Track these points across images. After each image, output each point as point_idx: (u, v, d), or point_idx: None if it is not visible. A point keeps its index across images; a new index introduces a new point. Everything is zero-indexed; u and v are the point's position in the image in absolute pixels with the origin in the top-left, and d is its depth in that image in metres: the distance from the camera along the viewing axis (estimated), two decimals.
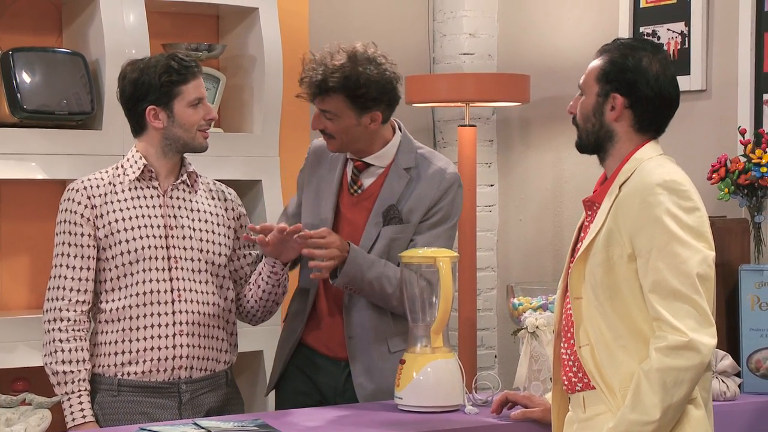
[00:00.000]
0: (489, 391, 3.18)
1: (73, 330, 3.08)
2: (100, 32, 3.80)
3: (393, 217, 3.25)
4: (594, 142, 2.64)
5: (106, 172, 3.19)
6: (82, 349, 3.09)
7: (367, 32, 3.36)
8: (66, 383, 3.06)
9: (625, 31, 4.29)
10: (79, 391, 3.07)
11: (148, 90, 3.10)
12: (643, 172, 2.54)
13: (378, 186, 3.28)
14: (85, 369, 3.08)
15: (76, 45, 3.92)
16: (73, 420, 3.06)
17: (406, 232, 3.25)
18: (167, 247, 3.12)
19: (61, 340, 3.07)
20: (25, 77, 3.68)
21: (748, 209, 3.68)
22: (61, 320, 3.09)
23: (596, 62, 2.64)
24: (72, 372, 3.07)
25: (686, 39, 4.12)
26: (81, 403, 3.06)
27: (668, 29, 4.18)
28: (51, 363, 3.08)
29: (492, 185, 4.98)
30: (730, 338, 3.51)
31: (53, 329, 3.09)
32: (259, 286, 3.25)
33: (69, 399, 3.07)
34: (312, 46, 4.11)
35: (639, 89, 2.58)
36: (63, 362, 3.07)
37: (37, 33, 3.96)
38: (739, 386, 3.35)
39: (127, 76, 3.14)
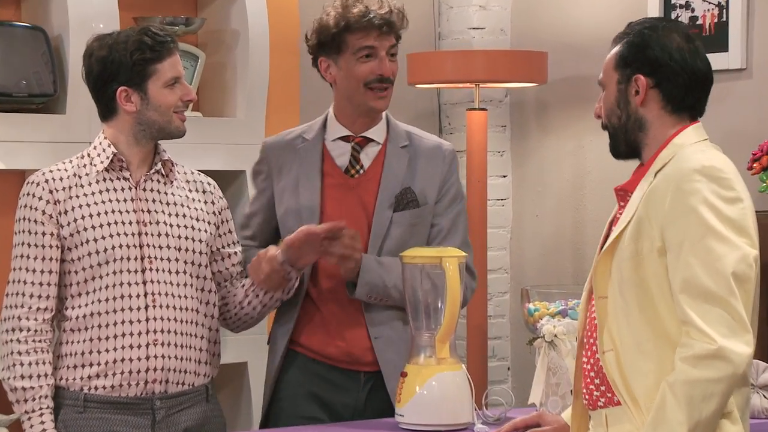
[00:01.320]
0: (501, 407, 3.17)
1: (34, 341, 3.07)
2: (64, 4, 3.80)
3: (410, 200, 3.27)
4: (625, 137, 2.63)
5: (70, 162, 3.17)
6: (44, 362, 3.07)
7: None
8: (26, 401, 3.05)
9: (655, 2, 4.28)
10: (41, 409, 3.05)
11: (119, 69, 3.08)
12: (681, 158, 2.53)
13: (379, 166, 3.30)
14: (47, 384, 3.07)
15: (36, 18, 3.91)
16: None
17: (425, 216, 3.29)
18: (140, 246, 3.11)
19: (20, 353, 3.06)
20: None
21: None
22: (20, 330, 3.07)
23: (612, 51, 2.65)
24: (32, 388, 3.05)
25: (724, 11, 4.11)
26: (43, 422, 3.05)
27: (704, 0, 4.17)
28: (9, 378, 3.06)
29: (505, 176, 4.98)
30: None
31: (11, 340, 3.07)
32: (258, 295, 3.25)
33: (30, 418, 3.05)
34: (303, 21, 4.10)
35: (662, 65, 2.58)
36: (22, 377, 3.05)
37: None
38: None
39: (94, 54, 3.12)
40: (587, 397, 2.64)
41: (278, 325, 3.35)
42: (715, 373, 2.40)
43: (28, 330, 3.07)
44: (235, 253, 3.29)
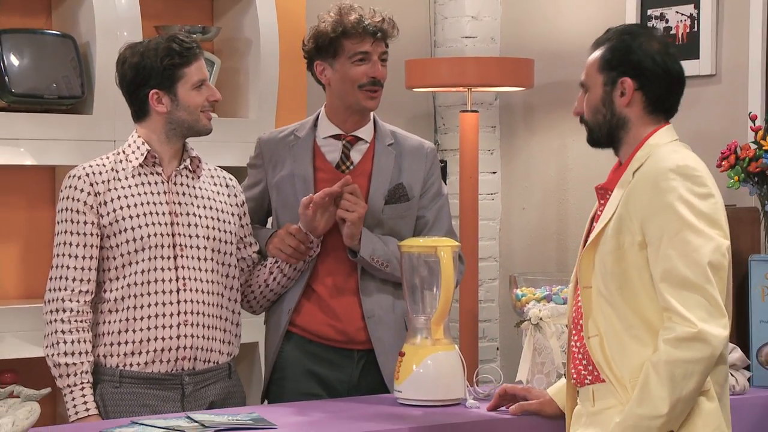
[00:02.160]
0: (491, 384, 3.18)
1: (76, 321, 3.08)
2: (91, 13, 3.80)
3: (401, 195, 3.29)
4: (607, 133, 2.63)
5: (107, 158, 3.18)
6: (85, 341, 3.08)
7: None
8: (68, 375, 3.06)
9: (632, 13, 4.28)
10: (82, 383, 3.07)
11: (150, 74, 3.09)
12: (656, 158, 2.54)
13: (368, 162, 3.31)
14: (88, 361, 3.08)
15: (66, 27, 3.91)
16: (76, 413, 3.05)
17: (412, 209, 3.31)
18: (173, 235, 3.12)
19: (63, 332, 3.07)
20: (14, 60, 3.67)
21: (758, 197, 3.67)
22: (64, 311, 3.08)
23: (595, 54, 2.64)
24: (74, 364, 3.06)
25: (695, 22, 4.11)
26: (84, 395, 3.06)
27: (677, 12, 4.17)
28: (53, 355, 3.07)
29: (494, 173, 4.97)
30: (739, 331, 3.50)
31: (55, 320, 3.08)
32: (282, 269, 3.26)
33: (72, 391, 3.06)
34: (310, 29, 4.09)
35: (646, 68, 2.58)
36: (65, 354, 3.06)
37: (25, 14, 3.95)
38: (749, 380, 3.35)
39: (127, 61, 3.13)
40: (575, 375, 2.65)
41: (277, 306, 3.35)
42: (695, 354, 2.41)
43: (71, 311, 3.08)
44: (255, 241, 3.30)
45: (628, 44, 2.60)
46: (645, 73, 2.58)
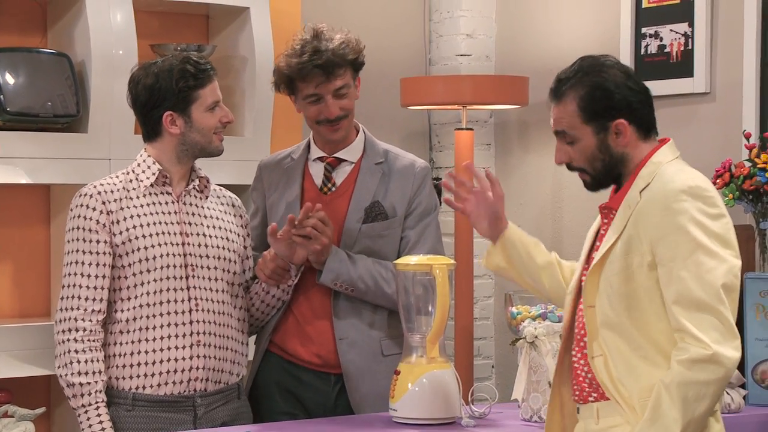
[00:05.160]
0: (486, 402, 3.17)
1: (89, 340, 3.06)
2: (86, 32, 3.80)
3: (378, 213, 3.28)
4: (609, 174, 2.63)
5: (117, 177, 3.17)
6: (98, 360, 3.06)
7: (361, 32, 3.34)
8: (83, 395, 3.04)
9: (626, 32, 4.29)
10: (97, 403, 3.05)
11: (165, 96, 3.08)
12: (664, 178, 2.53)
13: (351, 182, 3.31)
14: (102, 380, 3.06)
15: (61, 45, 3.91)
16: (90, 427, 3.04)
17: (393, 228, 3.29)
18: (184, 255, 3.11)
19: (76, 351, 3.05)
20: (9, 78, 3.67)
21: (753, 215, 3.68)
22: (77, 330, 3.06)
23: (567, 105, 2.60)
24: (89, 383, 3.04)
25: (690, 40, 4.12)
26: (99, 415, 3.04)
27: (671, 30, 4.18)
28: (66, 375, 3.05)
29: None
30: None
31: (68, 340, 3.06)
32: (260, 295, 3.26)
33: (86, 411, 3.04)
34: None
35: (630, 102, 2.59)
36: (79, 374, 3.04)
37: (20, 33, 3.96)
38: (744, 398, 3.35)
39: (141, 82, 3.11)
40: (578, 392, 2.64)
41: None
42: (709, 376, 2.41)
43: (84, 330, 3.06)
44: (252, 265, 3.30)
45: (603, 86, 2.58)
46: (631, 106, 2.59)
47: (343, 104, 3.24)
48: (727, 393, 3.29)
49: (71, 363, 3.04)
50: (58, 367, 3.07)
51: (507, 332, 4.03)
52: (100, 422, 3.03)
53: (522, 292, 3.43)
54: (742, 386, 3.37)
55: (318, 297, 3.27)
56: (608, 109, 2.58)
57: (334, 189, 3.31)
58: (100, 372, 3.06)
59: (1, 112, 3.65)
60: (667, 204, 2.48)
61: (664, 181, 2.52)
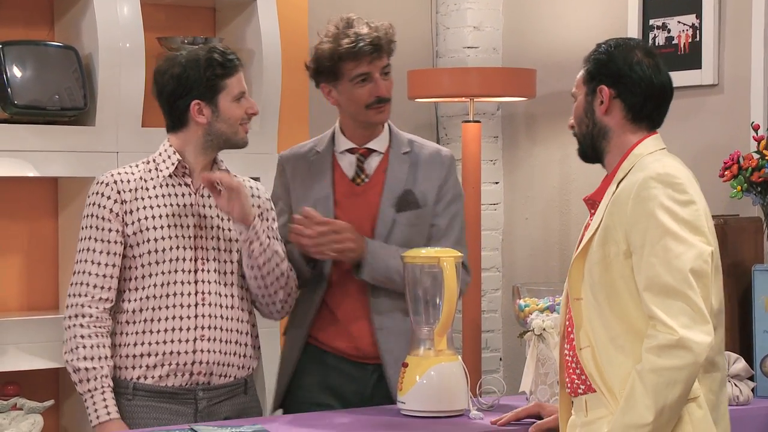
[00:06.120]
0: (494, 395, 3.17)
1: (95, 326, 3.06)
2: (93, 25, 3.80)
3: (410, 202, 3.29)
4: (591, 143, 2.66)
5: (137, 166, 3.17)
6: (104, 346, 3.06)
7: None
8: (88, 380, 3.04)
9: (634, 24, 4.28)
10: (102, 387, 3.04)
11: (193, 85, 3.08)
12: (639, 168, 2.55)
13: (382, 172, 3.32)
14: (108, 366, 3.06)
15: (68, 38, 3.92)
16: (98, 417, 3.03)
17: (424, 217, 3.30)
18: (195, 248, 3.11)
19: (83, 336, 3.05)
20: (16, 72, 3.68)
21: (761, 207, 3.67)
22: (83, 316, 3.06)
23: (583, 69, 2.68)
24: (94, 368, 3.04)
25: (698, 32, 4.11)
26: (105, 399, 3.04)
27: (679, 22, 4.17)
28: (72, 360, 3.05)
29: (497, 183, 4.97)
30: (743, 341, 3.50)
31: (74, 325, 3.06)
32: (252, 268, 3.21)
33: (92, 396, 3.04)
34: (311, 40, 4.10)
35: (623, 76, 2.61)
36: (85, 359, 3.04)
37: (28, 26, 3.96)
38: (753, 390, 3.35)
39: (168, 71, 3.11)
40: (569, 385, 2.65)
41: (296, 318, 3.35)
42: (678, 362, 2.41)
43: (90, 316, 3.06)
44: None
45: (610, 55, 2.63)
46: (622, 80, 2.61)
47: (388, 85, 3.28)
48: (735, 385, 3.28)
49: (77, 348, 3.04)
50: (65, 352, 3.07)
51: (515, 325, 4.04)
52: (106, 407, 3.03)
53: (529, 284, 3.44)
54: (751, 378, 3.36)
55: (354, 288, 3.28)
56: (600, 74, 2.62)
57: (367, 180, 3.32)
58: (106, 357, 3.06)
59: (8, 105, 3.66)
60: (638, 192, 2.50)
61: (637, 171, 2.55)
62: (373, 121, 3.28)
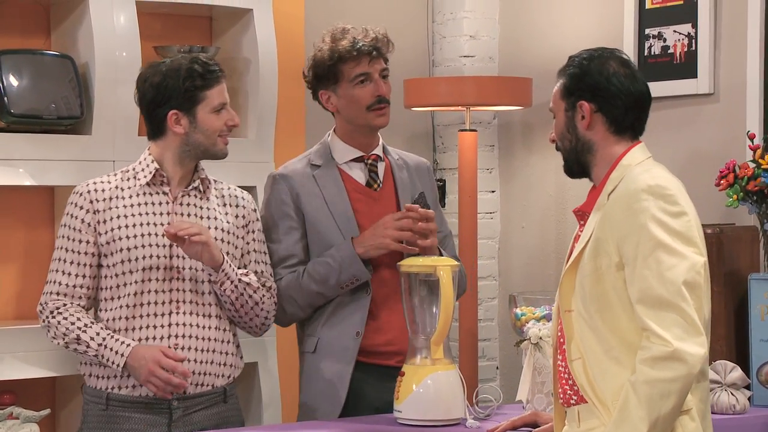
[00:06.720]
0: (490, 404, 3.17)
1: (73, 307, 3.07)
2: (90, 34, 3.80)
3: (425, 204, 3.31)
4: (576, 158, 2.66)
5: (115, 175, 3.18)
6: (87, 316, 3.07)
7: None
8: (91, 339, 3.03)
9: (630, 33, 4.29)
10: (105, 337, 3.03)
11: (171, 95, 3.09)
12: (629, 179, 2.55)
13: (390, 177, 3.36)
14: (100, 326, 3.05)
15: (64, 47, 3.92)
16: (122, 355, 3.01)
17: (435, 219, 3.31)
18: (170, 257, 3.10)
19: (65, 317, 3.06)
20: (12, 80, 3.68)
21: (757, 216, 3.67)
22: (58, 308, 3.08)
23: (558, 82, 2.67)
24: (89, 326, 3.04)
25: (693, 41, 4.12)
26: (116, 340, 3.03)
27: (675, 31, 4.18)
28: (66, 336, 3.05)
29: (493, 191, 4.98)
30: (739, 349, 3.51)
31: (48, 317, 3.08)
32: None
33: (105, 346, 3.03)
34: (308, 49, 4.11)
35: (601, 89, 2.60)
36: (78, 328, 3.04)
37: (24, 35, 3.96)
38: (749, 399, 3.35)
39: (149, 79, 3.12)
40: (562, 396, 2.65)
41: (342, 330, 3.28)
42: (672, 373, 2.41)
43: (64, 304, 3.08)
44: (258, 268, 3.25)
45: (585, 68, 2.62)
46: (601, 94, 2.60)
47: (388, 88, 3.32)
48: (732, 394, 3.29)
49: (66, 327, 3.05)
50: (54, 339, 3.08)
51: (511, 333, 4.03)
52: (122, 343, 3.01)
53: (526, 293, 3.44)
54: (747, 387, 3.36)
55: (390, 291, 3.26)
56: (578, 89, 2.61)
57: (382, 185, 3.34)
58: (94, 322, 3.05)
59: (5, 114, 3.65)
60: (629, 204, 2.50)
61: (627, 183, 2.54)
62: (374, 125, 3.29)
